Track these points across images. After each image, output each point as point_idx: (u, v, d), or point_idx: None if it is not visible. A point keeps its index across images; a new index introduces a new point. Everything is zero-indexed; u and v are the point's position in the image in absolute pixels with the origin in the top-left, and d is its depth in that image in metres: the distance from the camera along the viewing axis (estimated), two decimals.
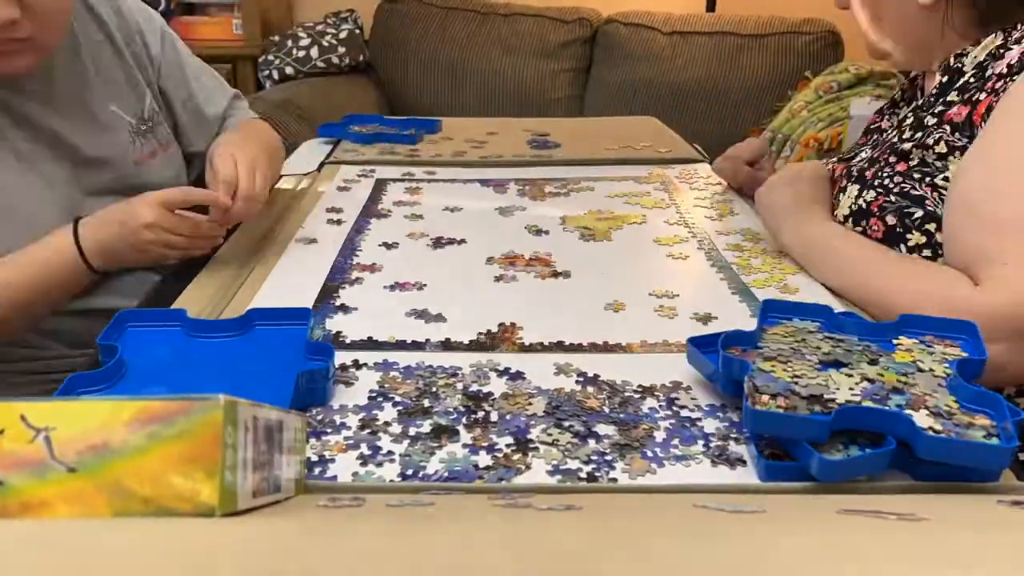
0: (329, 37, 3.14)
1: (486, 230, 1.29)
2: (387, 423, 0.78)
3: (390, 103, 3.29)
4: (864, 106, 2.35)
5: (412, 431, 0.76)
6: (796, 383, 0.73)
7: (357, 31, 3.23)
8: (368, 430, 0.77)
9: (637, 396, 0.82)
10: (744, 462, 0.72)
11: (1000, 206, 0.94)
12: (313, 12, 3.36)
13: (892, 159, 1.10)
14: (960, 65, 1.10)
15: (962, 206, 0.99)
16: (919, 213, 1.05)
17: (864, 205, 1.09)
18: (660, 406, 0.81)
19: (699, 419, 0.79)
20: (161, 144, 1.30)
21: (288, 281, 1.09)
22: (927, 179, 1.05)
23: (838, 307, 0.98)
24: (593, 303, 1.04)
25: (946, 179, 1.04)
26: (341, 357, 0.89)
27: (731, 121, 3.03)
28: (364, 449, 0.74)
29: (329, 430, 0.77)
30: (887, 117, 1.29)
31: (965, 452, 0.66)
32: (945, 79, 1.11)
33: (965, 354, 0.79)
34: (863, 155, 1.21)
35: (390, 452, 0.73)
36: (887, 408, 0.70)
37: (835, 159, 1.31)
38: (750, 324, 0.90)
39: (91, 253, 1.10)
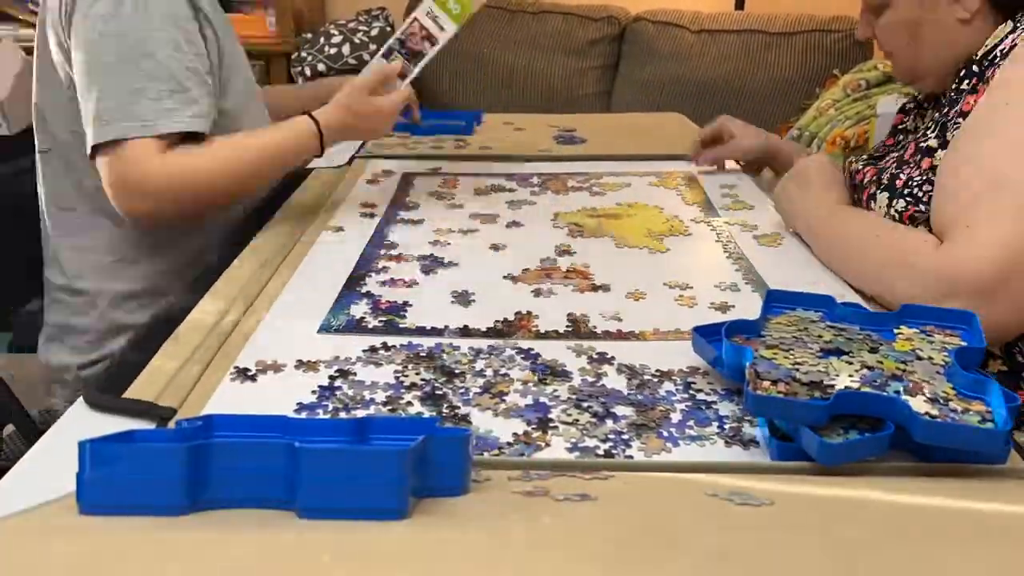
0: (361, 34, 3.19)
1: (509, 223, 1.33)
2: (409, 403, 0.82)
3: (419, 99, 3.33)
4: (892, 104, 2.35)
5: (435, 411, 0.80)
6: (797, 370, 0.76)
7: (388, 28, 3.28)
8: (390, 407, 0.81)
9: (655, 380, 0.86)
10: (757, 443, 0.76)
11: (972, 175, 0.98)
12: (345, 10, 3.41)
13: (918, 157, 1.10)
14: (974, 59, 1.10)
15: (941, 177, 1.03)
16: None
17: (896, 216, 1.09)
18: (677, 389, 0.84)
19: (715, 402, 0.82)
20: None
21: (318, 270, 1.14)
22: None
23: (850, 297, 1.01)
24: (612, 292, 1.07)
25: None
26: (367, 341, 0.93)
27: (758, 119, 2.97)
28: None
29: (359, 407, 0.81)
30: (913, 118, 1.29)
31: (960, 436, 0.69)
32: (963, 72, 1.11)
33: (964, 343, 0.81)
34: (892, 156, 1.21)
35: None
36: (885, 394, 0.73)
37: (863, 157, 1.31)
38: None
39: (326, 128, 1.32)
